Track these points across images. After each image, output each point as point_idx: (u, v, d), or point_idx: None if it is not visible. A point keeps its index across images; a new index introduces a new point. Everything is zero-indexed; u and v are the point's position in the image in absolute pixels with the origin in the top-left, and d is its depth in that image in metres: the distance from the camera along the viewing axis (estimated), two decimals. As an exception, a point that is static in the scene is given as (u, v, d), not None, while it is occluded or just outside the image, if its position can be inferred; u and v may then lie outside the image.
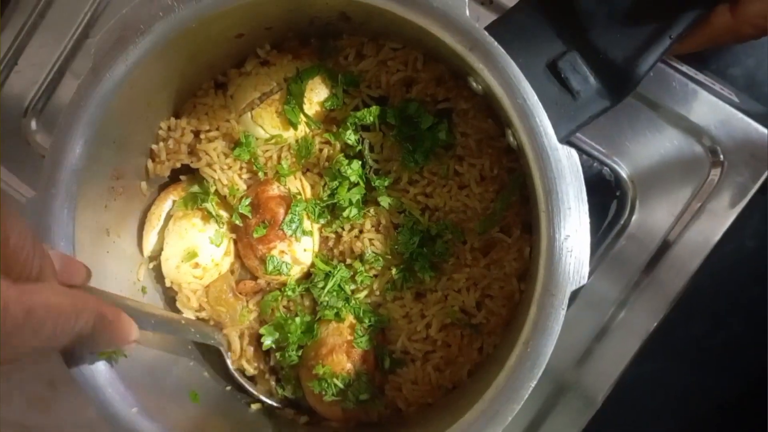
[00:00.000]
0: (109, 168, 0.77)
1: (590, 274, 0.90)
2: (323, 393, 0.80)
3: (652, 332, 0.90)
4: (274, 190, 0.83)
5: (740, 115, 0.89)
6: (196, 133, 0.84)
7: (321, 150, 0.84)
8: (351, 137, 0.81)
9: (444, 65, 0.81)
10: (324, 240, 0.85)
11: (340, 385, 0.79)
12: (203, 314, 0.86)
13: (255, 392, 0.86)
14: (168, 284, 0.85)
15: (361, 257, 0.83)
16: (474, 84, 0.70)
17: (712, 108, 0.90)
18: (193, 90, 0.84)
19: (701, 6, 0.69)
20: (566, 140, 0.69)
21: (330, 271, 0.83)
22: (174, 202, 0.85)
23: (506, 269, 0.80)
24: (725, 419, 0.98)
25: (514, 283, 0.80)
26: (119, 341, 0.63)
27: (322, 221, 0.84)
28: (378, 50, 0.83)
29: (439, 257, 0.81)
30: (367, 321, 0.82)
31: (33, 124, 1.02)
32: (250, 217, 0.82)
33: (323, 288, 0.83)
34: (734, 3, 0.69)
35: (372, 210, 0.83)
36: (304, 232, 0.82)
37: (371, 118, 0.80)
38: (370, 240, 0.82)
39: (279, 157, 0.84)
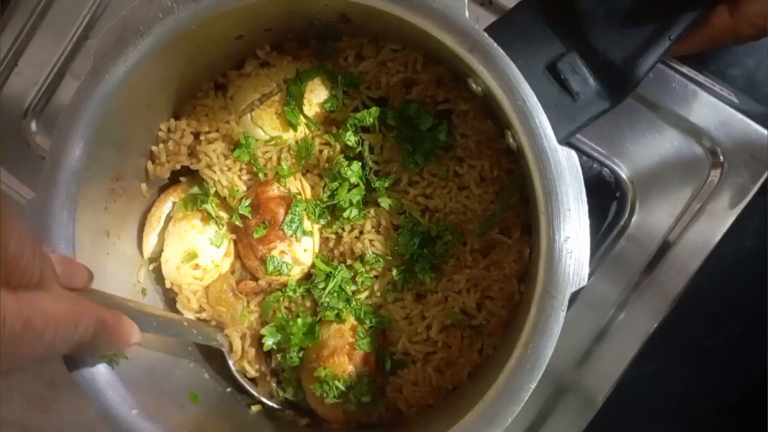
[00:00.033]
0: (108, 169, 0.77)
1: (590, 275, 0.90)
2: (325, 395, 0.80)
3: (652, 333, 0.90)
4: (274, 190, 0.83)
5: (740, 115, 0.89)
6: (196, 135, 0.84)
7: (321, 151, 0.84)
8: (351, 138, 0.81)
9: (444, 67, 0.81)
10: (324, 241, 0.85)
11: (342, 388, 0.79)
12: (204, 315, 0.86)
13: (256, 393, 0.86)
14: (168, 285, 0.85)
15: (361, 258, 0.83)
16: (474, 85, 0.70)
17: (711, 109, 0.90)
18: (192, 91, 0.84)
19: (700, 6, 0.69)
20: (566, 141, 0.69)
21: (331, 272, 0.83)
22: (174, 203, 0.85)
23: (506, 270, 0.80)
24: (725, 420, 0.98)
25: (514, 284, 0.80)
26: (120, 345, 0.63)
27: (322, 222, 0.84)
28: (378, 52, 0.83)
29: (439, 258, 0.81)
30: (368, 322, 0.82)
31: (33, 126, 1.02)
32: (250, 217, 0.82)
33: (324, 289, 0.83)
34: (733, 3, 0.69)
35: (372, 211, 0.83)
36: (304, 233, 0.82)
37: (371, 120, 0.80)
38: (371, 241, 0.82)
39: (279, 159, 0.84)
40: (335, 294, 0.83)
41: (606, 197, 0.93)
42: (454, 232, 0.81)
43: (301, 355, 0.84)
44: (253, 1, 0.69)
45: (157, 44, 0.69)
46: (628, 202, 0.92)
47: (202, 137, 0.84)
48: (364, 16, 0.74)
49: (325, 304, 0.83)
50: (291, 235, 0.81)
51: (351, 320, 0.83)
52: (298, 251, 0.82)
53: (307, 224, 0.82)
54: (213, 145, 0.83)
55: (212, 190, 0.84)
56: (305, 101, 0.82)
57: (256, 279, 0.86)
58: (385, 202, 0.81)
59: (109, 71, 0.69)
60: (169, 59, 0.73)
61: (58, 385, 1.02)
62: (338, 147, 0.82)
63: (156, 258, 0.85)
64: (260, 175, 0.84)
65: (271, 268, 0.81)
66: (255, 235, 0.81)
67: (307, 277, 0.86)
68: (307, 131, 0.84)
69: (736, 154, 0.89)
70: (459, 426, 0.67)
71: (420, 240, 0.81)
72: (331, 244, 0.85)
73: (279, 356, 0.85)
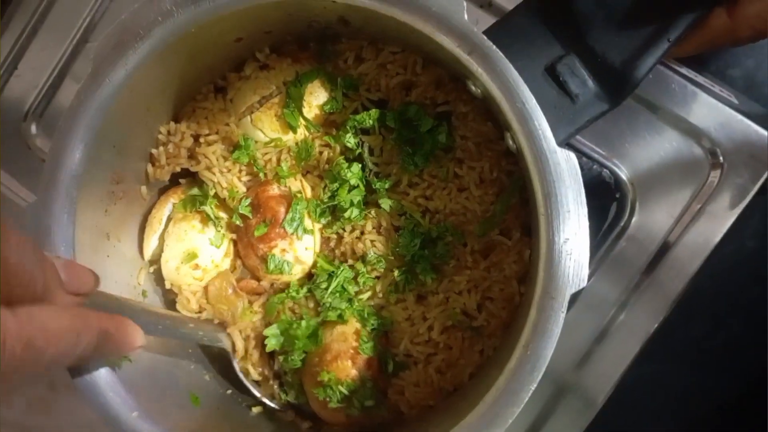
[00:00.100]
0: (109, 172, 0.77)
1: (590, 276, 0.91)
2: (328, 399, 0.79)
3: (652, 333, 0.90)
4: (275, 189, 0.83)
5: (740, 116, 0.89)
6: (196, 137, 0.84)
7: (321, 153, 0.84)
8: (351, 140, 0.81)
9: (443, 69, 0.81)
10: (325, 240, 0.85)
11: (345, 392, 0.79)
12: (204, 315, 0.86)
13: (259, 394, 0.86)
14: (168, 286, 0.85)
15: (363, 258, 0.83)
16: (473, 87, 0.70)
17: (711, 110, 0.90)
18: (192, 94, 0.85)
19: (699, 8, 0.69)
20: (565, 143, 0.69)
21: (333, 272, 0.83)
22: (174, 205, 0.85)
23: (506, 272, 0.80)
24: (725, 420, 0.98)
25: (514, 285, 0.80)
26: (124, 350, 0.62)
27: (323, 221, 0.84)
28: (377, 54, 0.83)
29: (440, 259, 0.81)
30: (370, 323, 0.82)
31: (33, 128, 1.02)
32: (251, 216, 0.82)
33: (326, 289, 0.82)
34: (732, 5, 0.69)
35: (373, 212, 0.83)
36: (305, 231, 0.82)
37: (371, 122, 0.80)
38: (372, 241, 0.82)
39: (278, 160, 0.84)
40: (337, 294, 0.83)
41: (606, 198, 0.93)
42: (454, 233, 0.81)
43: (303, 358, 0.84)
44: (253, 5, 0.69)
45: (156, 47, 0.69)
46: (628, 203, 0.92)
47: (201, 139, 0.84)
48: (363, 19, 0.74)
49: (328, 305, 0.83)
50: (292, 233, 0.81)
51: (354, 324, 0.83)
52: (299, 249, 0.82)
53: (307, 222, 0.82)
54: (212, 147, 0.84)
55: (212, 192, 0.84)
56: (305, 103, 0.83)
57: (257, 279, 0.86)
58: (385, 204, 0.81)
59: (109, 74, 0.69)
60: (168, 62, 0.73)
61: (58, 386, 1.02)
62: (338, 148, 0.83)
63: (156, 260, 0.85)
64: (261, 174, 0.84)
65: (272, 266, 0.81)
66: (256, 233, 0.81)
67: (309, 277, 0.86)
68: (307, 133, 0.84)
69: (735, 154, 0.89)
70: (459, 427, 0.66)
71: (421, 241, 0.81)
72: (332, 244, 0.85)
73: (281, 359, 0.85)
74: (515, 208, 0.80)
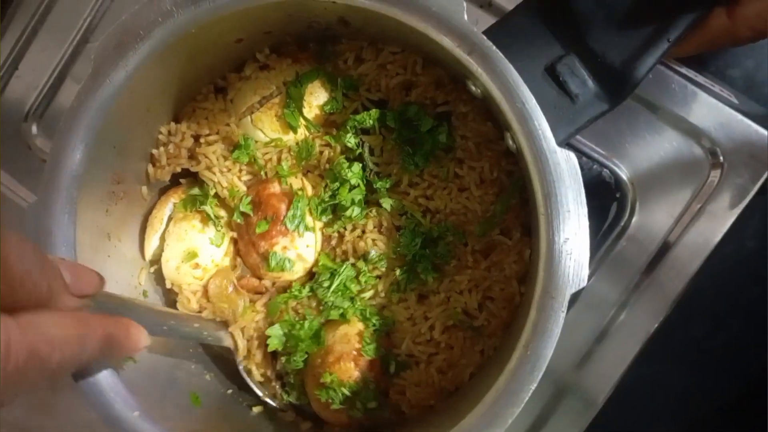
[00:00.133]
0: (109, 173, 0.77)
1: (590, 276, 0.91)
2: (330, 401, 0.79)
3: (652, 334, 0.90)
4: (275, 187, 0.83)
5: (740, 116, 0.89)
6: (196, 138, 0.84)
7: (321, 152, 0.84)
8: (351, 140, 0.81)
9: (443, 69, 0.81)
10: (327, 239, 0.85)
11: (348, 394, 0.79)
12: (205, 314, 0.86)
13: (262, 393, 0.86)
14: (169, 286, 0.85)
15: (364, 257, 0.83)
16: (473, 87, 0.70)
17: (711, 109, 0.90)
18: (192, 94, 0.85)
19: (699, 9, 0.69)
20: (565, 143, 0.69)
21: (335, 270, 0.82)
22: (175, 205, 0.86)
23: (506, 271, 0.80)
24: (725, 420, 0.98)
25: (514, 285, 0.80)
26: (129, 353, 0.62)
27: (324, 219, 0.84)
28: (377, 54, 0.83)
29: (441, 259, 0.81)
30: (373, 322, 0.82)
31: (33, 129, 1.02)
32: (252, 215, 0.82)
33: (328, 287, 0.82)
34: (731, 5, 0.69)
35: (374, 211, 0.83)
36: (306, 228, 0.82)
37: (371, 122, 0.80)
38: (373, 240, 0.82)
39: (279, 159, 0.84)
40: (340, 293, 0.82)
41: (606, 198, 0.93)
42: (455, 233, 0.81)
43: (305, 359, 0.83)
44: (253, 5, 0.69)
45: (156, 48, 0.69)
46: (628, 202, 0.92)
47: (202, 140, 0.84)
48: (363, 20, 0.74)
49: (330, 303, 0.82)
50: (293, 230, 0.81)
51: (357, 325, 0.82)
52: (301, 247, 0.82)
53: (309, 220, 0.82)
54: (213, 147, 0.84)
55: (212, 192, 0.84)
56: (305, 103, 0.83)
57: (258, 278, 0.86)
58: (386, 203, 0.82)
59: (110, 75, 0.69)
60: (169, 63, 0.73)
61: (58, 386, 1.02)
62: (338, 148, 0.83)
63: (157, 260, 0.85)
64: (261, 173, 0.84)
65: (273, 263, 0.81)
66: (257, 231, 0.81)
67: (311, 277, 0.86)
68: (307, 133, 0.84)
69: (735, 154, 0.89)
70: (459, 427, 0.67)
71: (422, 240, 0.81)
72: (333, 243, 0.85)
73: (283, 359, 0.84)
74: (515, 208, 0.80)
